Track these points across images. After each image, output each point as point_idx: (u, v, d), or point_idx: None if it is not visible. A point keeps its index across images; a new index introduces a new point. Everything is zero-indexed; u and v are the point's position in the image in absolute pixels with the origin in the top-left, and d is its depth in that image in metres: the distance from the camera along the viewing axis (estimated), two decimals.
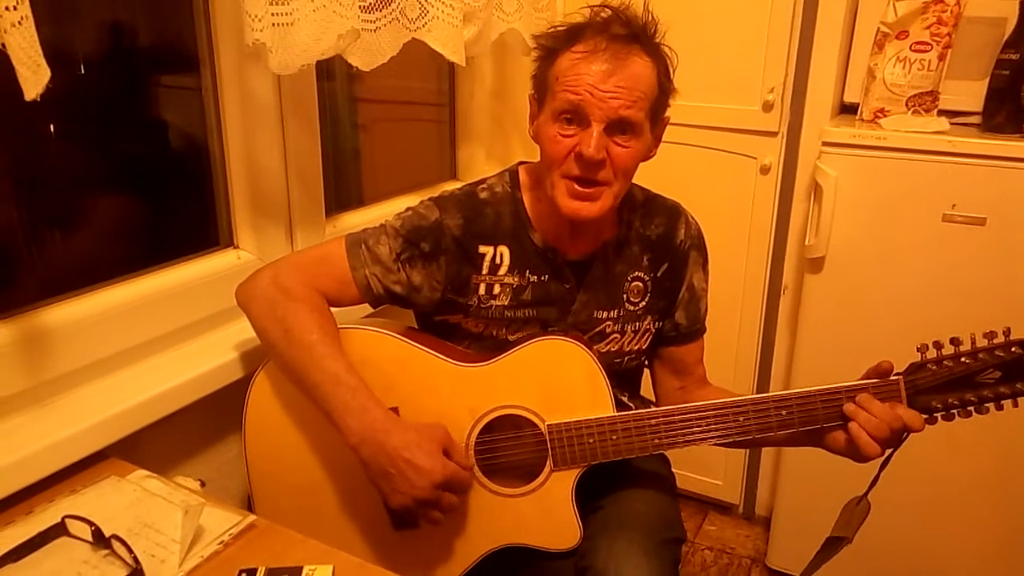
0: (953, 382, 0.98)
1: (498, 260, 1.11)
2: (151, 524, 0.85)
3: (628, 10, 1.03)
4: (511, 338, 1.12)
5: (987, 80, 1.58)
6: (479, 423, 1.06)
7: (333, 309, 1.08)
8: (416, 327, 1.22)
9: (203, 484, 1.00)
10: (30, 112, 0.99)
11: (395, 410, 1.03)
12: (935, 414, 1.00)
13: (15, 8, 0.70)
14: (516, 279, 1.11)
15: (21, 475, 0.88)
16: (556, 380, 1.05)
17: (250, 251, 1.28)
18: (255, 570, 0.78)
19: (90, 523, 0.81)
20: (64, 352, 0.99)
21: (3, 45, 0.69)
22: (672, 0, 1.81)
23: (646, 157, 1.07)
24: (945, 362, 0.99)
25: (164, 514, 0.87)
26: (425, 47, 1.30)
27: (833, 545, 1.06)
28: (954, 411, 0.99)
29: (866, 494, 1.06)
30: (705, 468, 2.16)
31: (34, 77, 0.71)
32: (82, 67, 1.09)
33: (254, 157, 1.24)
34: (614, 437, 1.04)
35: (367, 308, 1.15)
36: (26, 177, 1.05)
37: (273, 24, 1.02)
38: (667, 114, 1.08)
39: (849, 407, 0.99)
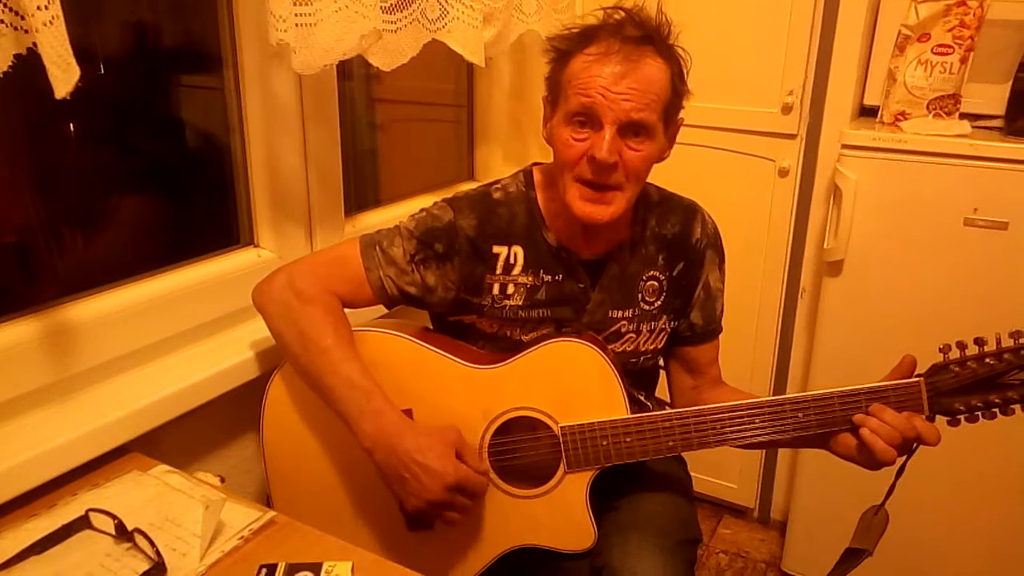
0: (977, 383, 0.96)
1: (512, 260, 1.11)
2: (173, 518, 0.86)
3: (642, 12, 1.03)
4: (525, 339, 1.12)
5: (1010, 83, 1.57)
6: (493, 425, 1.06)
7: (348, 310, 1.08)
8: (431, 328, 1.22)
9: (223, 480, 1.01)
10: (55, 111, 1.00)
11: (409, 412, 1.04)
12: (958, 416, 0.98)
13: (46, 8, 0.71)
14: (530, 279, 1.11)
15: (44, 468, 0.89)
16: (570, 382, 1.05)
17: (270, 249, 1.29)
18: (275, 565, 0.79)
19: (113, 516, 0.82)
20: (87, 348, 1.01)
21: (34, 44, 0.71)
22: (692, 2, 1.82)
23: (659, 159, 1.07)
24: (968, 363, 0.97)
25: (185, 509, 0.88)
26: (444, 48, 1.30)
27: (853, 557, 1.05)
28: (977, 413, 0.97)
29: (883, 504, 1.05)
30: (720, 471, 2.15)
31: (64, 76, 0.72)
32: (106, 67, 1.10)
33: (275, 157, 1.25)
34: (628, 439, 1.04)
35: (382, 309, 1.15)
36: (50, 176, 1.06)
37: (297, 24, 1.03)
38: (681, 116, 1.07)
39: (858, 416, 0.98)
